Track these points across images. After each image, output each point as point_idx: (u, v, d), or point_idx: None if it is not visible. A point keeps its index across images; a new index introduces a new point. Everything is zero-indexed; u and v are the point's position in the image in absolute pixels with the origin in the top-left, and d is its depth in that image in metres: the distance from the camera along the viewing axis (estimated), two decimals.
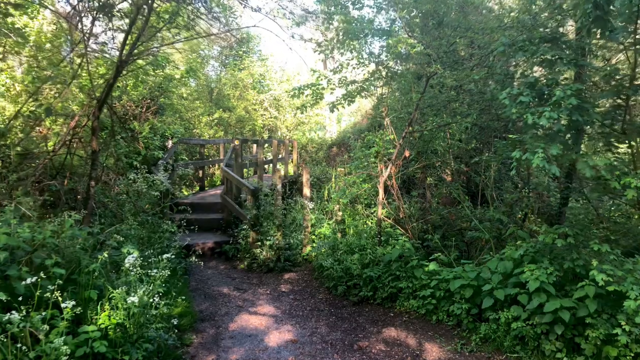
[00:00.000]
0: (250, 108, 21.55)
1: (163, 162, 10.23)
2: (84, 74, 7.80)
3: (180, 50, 20.68)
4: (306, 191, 9.29)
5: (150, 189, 7.72)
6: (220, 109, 19.38)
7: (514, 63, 7.53)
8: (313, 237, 8.87)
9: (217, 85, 20.61)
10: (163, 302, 4.57)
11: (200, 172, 13.50)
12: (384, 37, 13.29)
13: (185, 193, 15.39)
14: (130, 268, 4.43)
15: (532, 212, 8.59)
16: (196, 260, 6.69)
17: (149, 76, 10.71)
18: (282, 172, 17.40)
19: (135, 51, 6.17)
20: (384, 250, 7.12)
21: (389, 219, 7.99)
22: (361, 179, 9.50)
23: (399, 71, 13.47)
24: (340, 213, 8.87)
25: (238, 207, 9.45)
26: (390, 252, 6.90)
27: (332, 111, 13.11)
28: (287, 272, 8.44)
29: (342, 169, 9.14)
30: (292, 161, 18.63)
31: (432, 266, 6.48)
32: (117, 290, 4.27)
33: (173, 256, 7.40)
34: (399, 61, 13.25)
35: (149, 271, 4.77)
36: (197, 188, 14.16)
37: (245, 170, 19.75)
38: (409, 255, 6.75)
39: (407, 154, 7.50)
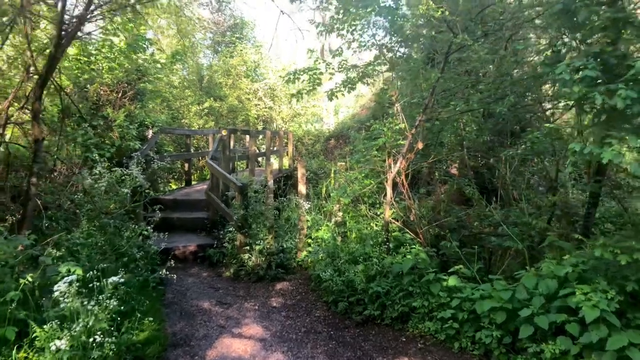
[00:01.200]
0: (243, 97, 20.38)
1: (140, 154, 9.07)
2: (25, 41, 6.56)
3: (168, 36, 19.48)
4: (301, 188, 8.17)
5: (121, 185, 6.58)
6: (211, 98, 18.20)
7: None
8: (309, 240, 7.76)
9: (207, 73, 19.39)
10: (111, 340, 3.45)
11: (187, 165, 12.36)
12: (389, 17, 12.18)
13: (174, 187, 14.25)
14: (63, 295, 3.30)
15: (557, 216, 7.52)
16: (167, 273, 5.59)
17: (127, 59, 9.55)
18: (277, 166, 16.28)
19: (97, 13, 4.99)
20: (392, 259, 6.03)
21: (397, 221, 6.90)
22: (363, 175, 8.40)
23: (404, 55, 12.35)
24: (340, 214, 7.76)
25: (224, 205, 8.33)
26: (401, 262, 5.80)
27: (330, 99, 11.96)
28: (279, 280, 7.35)
29: (343, 163, 8.03)
30: (287, 154, 17.50)
31: (452, 281, 5.39)
32: (45, 327, 3.16)
33: (143, 269, 6.32)
34: (404, 46, 12.14)
35: (97, 296, 3.65)
36: (178, 185, 13.04)
37: (237, 163, 18.64)
38: (423, 267, 5.66)
39: (419, 145, 6.38)
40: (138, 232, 6.45)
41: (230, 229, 7.93)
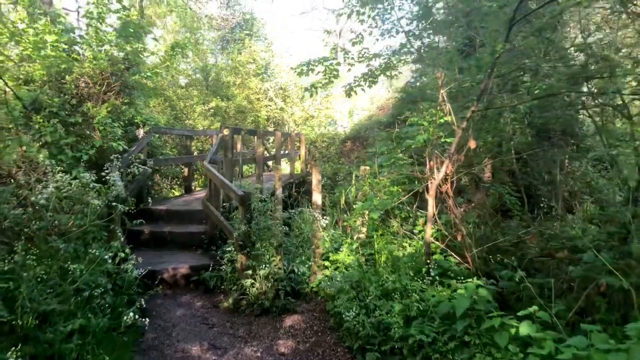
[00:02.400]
0: (252, 97, 19.03)
1: (126, 157, 7.73)
2: None
3: (171, 31, 18.23)
4: (316, 198, 6.73)
5: (90, 195, 5.20)
6: (218, 97, 16.86)
7: None
8: (327, 263, 6.29)
9: (214, 70, 18.05)
10: None
11: (187, 170, 10.99)
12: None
13: (177, 193, 12.91)
14: None
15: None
16: (142, 306, 4.20)
17: (117, 46, 8.23)
18: (288, 171, 14.88)
19: None
20: (437, 294, 4.56)
21: (441, 241, 5.41)
22: (389, 181, 6.95)
23: (434, 44, 10.84)
24: (364, 229, 6.30)
25: (223, 218, 6.91)
26: (452, 300, 4.33)
27: (348, 95, 10.53)
28: (289, 313, 5.91)
29: (367, 168, 6.58)
30: (299, 158, 16.09)
31: (525, 329, 3.89)
32: None
33: (114, 304, 4.91)
34: (433, 33, 10.69)
35: None
36: (180, 191, 11.69)
37: (245, 167, 17.27)
38: (482, 309, 4.18)
39: (472, 144, 4.90)
40: (109, 254, 5.06)
41: (230, 247, 6.53)
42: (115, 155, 6.33)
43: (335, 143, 16.74)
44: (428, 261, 5.02)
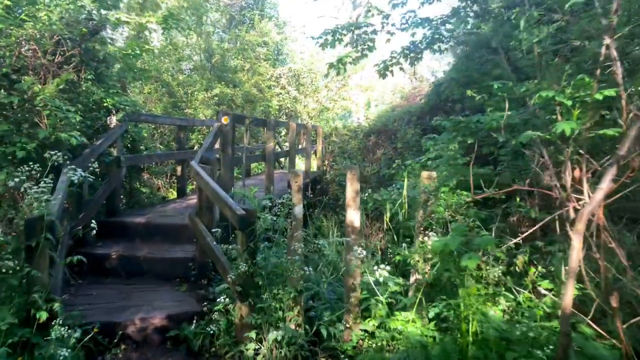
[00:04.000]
0: (263, 85, 16.83)
1: (88, 154, 5.62)
2: None
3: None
4: (353, 217, 4.50)
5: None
6: (223, 83, 14.69)
7: None
8: (372, 322, 4.05)
9: (218, 52, 15.84)
10: None
11: (179, 168, 8.83)
12: None
13: (170, 196, 10.80)
14: None
15: None
16: None
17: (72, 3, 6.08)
18: (303, 168, 12.71)
19: None
20: None
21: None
22: (456, 194, 4.70)
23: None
24: (428, 269, 4.08)
25: (216, 246, 4.73)
26: None
27: (382, 76, 8.29)
28: None
29: (432, 174, 4.34)
30: (315, 153, 13.91)
31: None
32: None
33: None
34: None
35: None
36: (174, 194, 9.57)
37: (253, 165, 15.08)
38: None
39: None
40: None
41: (226, 288, 4.38)
42: (55, 154, 4.20)
43: (358, 137, 14.50)
44: (565, 346, 2.81)
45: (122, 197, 8.01)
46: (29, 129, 5.30)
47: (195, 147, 12.66)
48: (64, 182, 4.56)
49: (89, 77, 5.90)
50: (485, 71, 7.91)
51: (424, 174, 4.43)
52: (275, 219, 4.29)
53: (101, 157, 6.29)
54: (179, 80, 14.52)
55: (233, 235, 4.45)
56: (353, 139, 14.50)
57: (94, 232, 4.49)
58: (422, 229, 4.31)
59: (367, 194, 12.16)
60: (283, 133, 16.91)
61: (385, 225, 5.77)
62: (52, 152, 4.18)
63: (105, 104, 6.23)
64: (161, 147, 11.55)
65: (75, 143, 5.10)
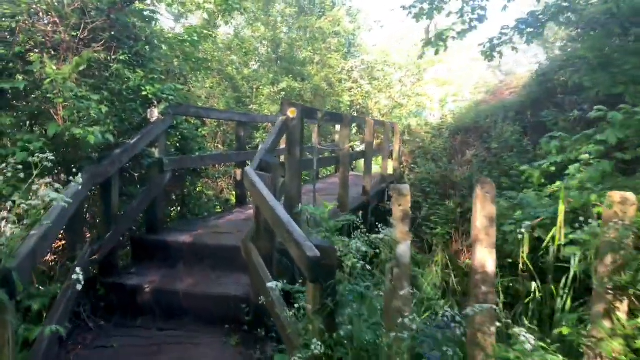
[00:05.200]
0: (333, 78, 15.35)
1: (116, 155, 4.36)
2: None
3: None
4: (484, 260, 2.83)
5: None
6: (290, 77, 13.34)
7: None
8: None
9: (286, 41, 14.48)
10: None
11: (239, 172, 7.50)
12: None
13: (234, 200, 9.57)
14: None
15: None
16: None
17: None
18: (379, 169, 11.12)
19: None
20: None
21: None
22: None
23: None
24: None
25: (273, 293, 3.22)
26: None
27: (489, 58, 6.53)
28: None
29: (628, 198, 2.69)
30: (391, 154, 12.22)
31: None
32: None
33: None
34: None
35: None
36: (235, 201, 8.28)
37: (325, 170, 13.61)
38: None
39: None
40: None
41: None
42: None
43: (443, 135, 12.63)
44: None
45: (177, 205, 6.81)
46: (41, 123, 4.10)
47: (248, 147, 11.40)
48: (73, 191, 3.26)
49: (121, 57, 4.62)
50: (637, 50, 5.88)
51: (615, 195, 2.67)
52: (361, 262, 2.71)
53: (138, 159, 5.03)
54: (243, 74, 13.36)
55: (299, 283, 2.95)
56: (437, 138, 12.65)
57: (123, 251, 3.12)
58: (611, 290, 2.58)
59: (451, 202, 10.36)
60: (353, 132, 15.35)
61: (516, 259, 4.01)
62: (43, 156, 2.85)
63: (144, 93, 4.94)
64: (222, 147, 10.36)
65: (94, 142, 3.80)
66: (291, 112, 4.78)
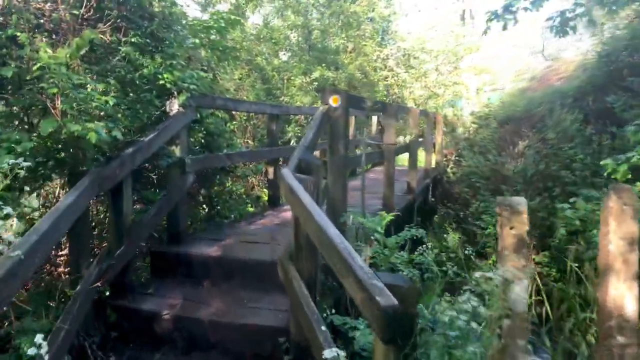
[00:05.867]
0: (368, 67, 14.44)
1: (125, 155, 3.64)
2: None
3: None
4: (622, 299, 1.98)
5: None
6: (323, 66, 12.51)
7: None
8: None
9: (319, 26, 13.61)
10: None
11: (271, 170, 6.74)
12: None
13: (265, 197, 8.90)
14: None
15: None
16: None
17: None
18: (422, 163, 10.21)
19: None
20: None
21: None
22: None
23: None
24: None
25: (319, 329, 2.44)
26: None
27: (563, 33, 5.63)
28: None
29: None
30: (434, 146, 11.29)
31: None
32: None
33: None
34: None
35: None
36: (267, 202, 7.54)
37: (368, 168, 12.55)
38: None
39: None
40: None
41: None
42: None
43: (490, 125, 11.57)
44: None
45: (204, 206, 6.10)
46: (36, 118, 3.42)
47: (293, 142, 10.63)
48: (51, 216, 2.56)
49: (133, 39, 3.89)
50: None
51: None
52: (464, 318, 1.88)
53: (156, 158, 4.32)
54: (273, 64, 12.61)
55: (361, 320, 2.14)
56: (485, 128, 11.60)
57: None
58: None
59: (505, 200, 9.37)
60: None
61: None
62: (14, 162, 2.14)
63: (161, 82, 4.22)
64: (252, 143, 9.64)
65: (96, 140, 3.08)
66: (334, 101, 3.97)
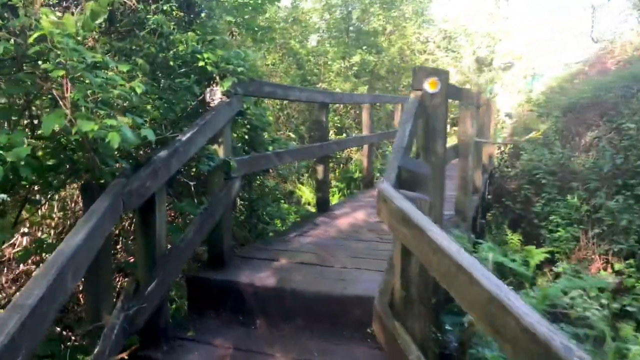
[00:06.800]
0: (407, 50, 13.31)
1: (159, 160, 2.68)
2: None
3: None
4: None
5: None
6: (364, 50, 11.43)
7: None
8: None
9: (359, 6, 12.48)
10: None
11: (320, 168, 5.76)
12: None
13: (302, 195, 8.00)
14: None
15: None
16: None
17: None
18: (485, 160, 9.11)
19: None
20: None
21: None
22: None
23: None
24: None
25: None
26: None
27: None
28: None
29: None
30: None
31: None
32: None
33: None
34: None
35: None
36: (304, 192, 6.58)
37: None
38: None
39: None
40: None
41: None
42: None
43: (552, 113, 10.36)
44: None
45: (243, 213, 5.16)
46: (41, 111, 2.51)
47: (332, 135, 9.61)
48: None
49: (164, 6, 2.94)
50: None
51: None
52: None
53: (194, 162, 3.39)
54: (308, 48, 11.61)
55: None
56: (546, 117, 10.41)
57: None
58: None
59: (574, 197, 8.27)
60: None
61: None
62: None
63: (200, 64, 3.26)
64: (292, 135, 8.69)
65: (117, 143, 2.15)
66: (431, 85, 2.96)
